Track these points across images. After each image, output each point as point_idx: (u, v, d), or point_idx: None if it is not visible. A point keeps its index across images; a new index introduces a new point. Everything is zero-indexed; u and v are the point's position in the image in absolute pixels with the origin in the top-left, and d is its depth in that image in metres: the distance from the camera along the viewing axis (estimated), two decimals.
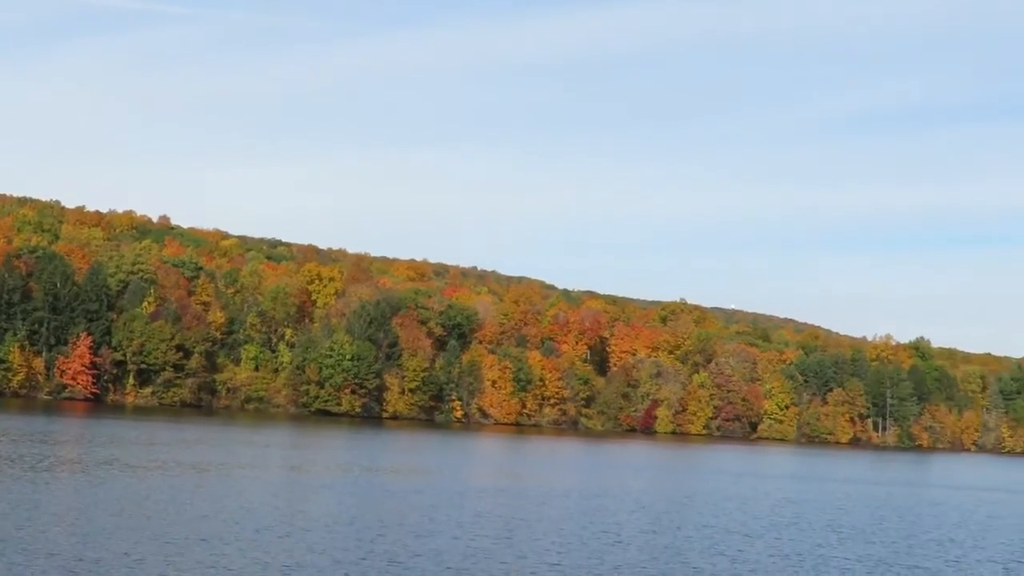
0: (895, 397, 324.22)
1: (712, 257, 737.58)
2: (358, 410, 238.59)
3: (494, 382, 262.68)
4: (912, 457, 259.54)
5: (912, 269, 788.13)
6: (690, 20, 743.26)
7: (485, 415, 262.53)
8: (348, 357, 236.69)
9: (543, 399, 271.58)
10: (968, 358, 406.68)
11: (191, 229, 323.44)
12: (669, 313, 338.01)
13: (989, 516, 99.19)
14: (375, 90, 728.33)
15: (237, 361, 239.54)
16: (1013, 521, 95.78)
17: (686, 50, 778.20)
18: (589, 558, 57.47)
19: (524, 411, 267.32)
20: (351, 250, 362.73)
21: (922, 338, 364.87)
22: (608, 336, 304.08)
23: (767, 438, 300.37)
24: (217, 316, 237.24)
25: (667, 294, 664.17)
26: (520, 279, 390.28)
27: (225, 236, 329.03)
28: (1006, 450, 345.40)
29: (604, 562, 56.39)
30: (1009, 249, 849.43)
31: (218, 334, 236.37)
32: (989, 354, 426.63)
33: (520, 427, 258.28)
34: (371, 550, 55.08)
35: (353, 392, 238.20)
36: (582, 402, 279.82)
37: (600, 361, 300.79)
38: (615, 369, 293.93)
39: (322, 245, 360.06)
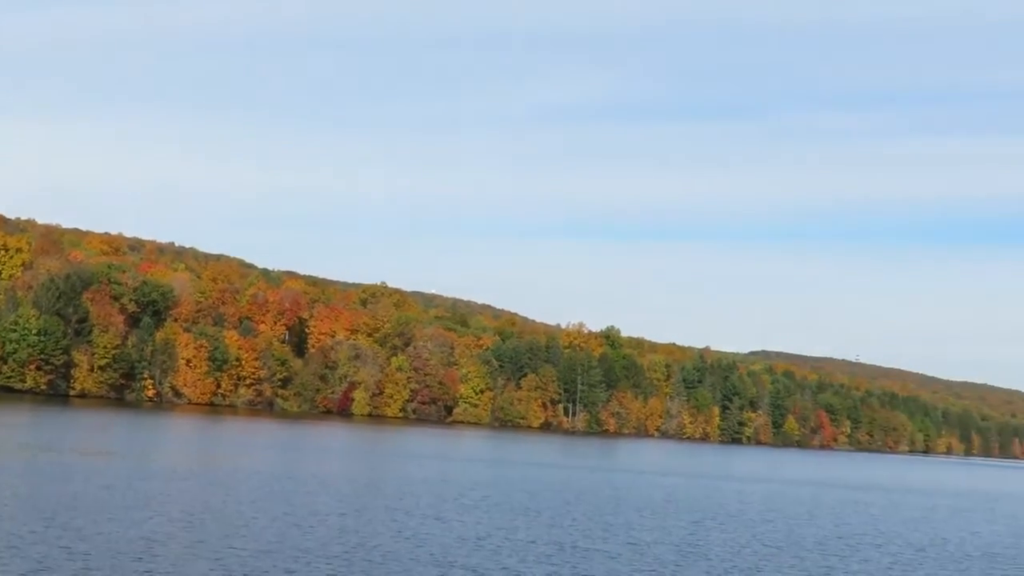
0: (585, 384, 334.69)
1: (413, 241, 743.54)
2: (44, 387, 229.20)
3: (188, 361, 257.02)
4: (599, 442, 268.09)
5: (605, 259, 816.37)
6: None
7: (178, 394, 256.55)
8: (34, 332, 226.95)
9: (239, 379, 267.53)
10: (655, 347, 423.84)
11: None
12: (369, 296, 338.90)
13: (666, 500, 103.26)
14: (65, 56, 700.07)
15: None
16: (687, 504, 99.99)
17: (400, 34, 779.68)
18: (273, 541, 56.72)
19: (219, 391, 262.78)
20: (40, 220, 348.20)
21: (612, 327, 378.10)
22: (307, 317, 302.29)
23: (462, 421, 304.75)
24: None
25: (368, 277, 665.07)
26: (219, 257, 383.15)
27: None
28: (687, 436, 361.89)
29: (288, 545, 55.77)
30: (697, 243, 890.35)
31: None
32: (674, 344, 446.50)
33: (214, 407, 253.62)
34: (43, 536, 52.73)
35: (39, 368, 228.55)
36: (279, 383, 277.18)
37: (299, 342, 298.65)
38: (313, 350, 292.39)
39: (9, 215, 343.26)
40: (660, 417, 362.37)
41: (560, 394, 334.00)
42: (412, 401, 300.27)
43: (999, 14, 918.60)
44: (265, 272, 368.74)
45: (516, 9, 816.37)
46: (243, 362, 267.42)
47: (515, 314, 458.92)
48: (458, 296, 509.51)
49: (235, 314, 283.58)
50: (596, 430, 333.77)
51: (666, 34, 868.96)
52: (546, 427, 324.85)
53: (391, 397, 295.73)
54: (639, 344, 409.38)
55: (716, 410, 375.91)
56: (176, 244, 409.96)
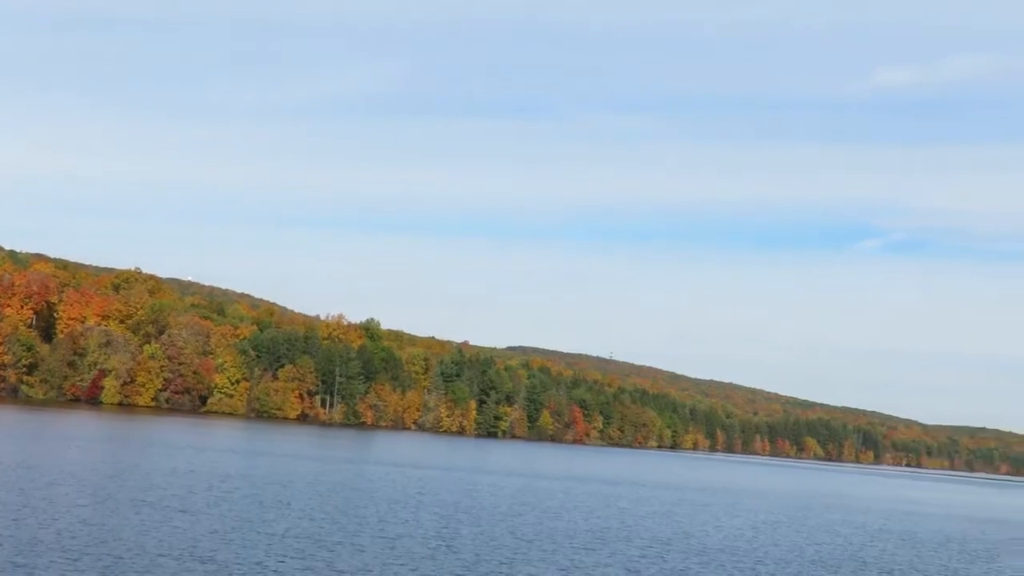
0: (343, 375, 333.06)
1: (170, 227, 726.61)
2: None
3: None
4: (356, 434, 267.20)
5: (366, 251, 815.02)
6: None
7: None
8: None
9: None
10: (414, 340, 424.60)
11: None
12: (122, 281, 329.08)
13: (420, 493, 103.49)
14: None
15: None
16: (440, 498, 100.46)
17: (172, 16, 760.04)
18: (5, 533, 54.30)
19: None
20: None
21: (372, 319, 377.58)
22: (56, 301, 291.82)
23: (217, 412, 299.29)
24: None
25: (122, 262, 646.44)
26: None
27: None
28: (443, 429, 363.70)
29: (23, 538, 53.49)
30: (457, 239, 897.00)
31: None
32: (433, 338, 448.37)
33: None
34: None
35: None
36: (24, 369, 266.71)
37: (47, 327, 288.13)
38: (62, 336, 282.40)
39: None
40: (418, 410, 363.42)
41: (318, 385, 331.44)
42: (165, 390, 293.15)
43: (786, 27, 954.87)
44: (12, 254, 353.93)
45: None
46: None
47: (274, 304, 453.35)
48: (215, 284, 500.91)
49: None
50: (353, 422, 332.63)
51: (455, 29, 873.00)
52: (303, 419, 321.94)
53: (143, 386, 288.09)
54: (398, 337, 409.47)
55: (473, 404, 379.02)
56: None
